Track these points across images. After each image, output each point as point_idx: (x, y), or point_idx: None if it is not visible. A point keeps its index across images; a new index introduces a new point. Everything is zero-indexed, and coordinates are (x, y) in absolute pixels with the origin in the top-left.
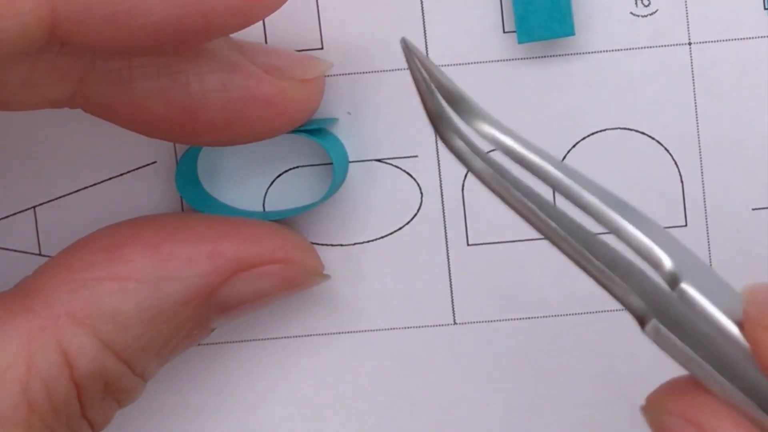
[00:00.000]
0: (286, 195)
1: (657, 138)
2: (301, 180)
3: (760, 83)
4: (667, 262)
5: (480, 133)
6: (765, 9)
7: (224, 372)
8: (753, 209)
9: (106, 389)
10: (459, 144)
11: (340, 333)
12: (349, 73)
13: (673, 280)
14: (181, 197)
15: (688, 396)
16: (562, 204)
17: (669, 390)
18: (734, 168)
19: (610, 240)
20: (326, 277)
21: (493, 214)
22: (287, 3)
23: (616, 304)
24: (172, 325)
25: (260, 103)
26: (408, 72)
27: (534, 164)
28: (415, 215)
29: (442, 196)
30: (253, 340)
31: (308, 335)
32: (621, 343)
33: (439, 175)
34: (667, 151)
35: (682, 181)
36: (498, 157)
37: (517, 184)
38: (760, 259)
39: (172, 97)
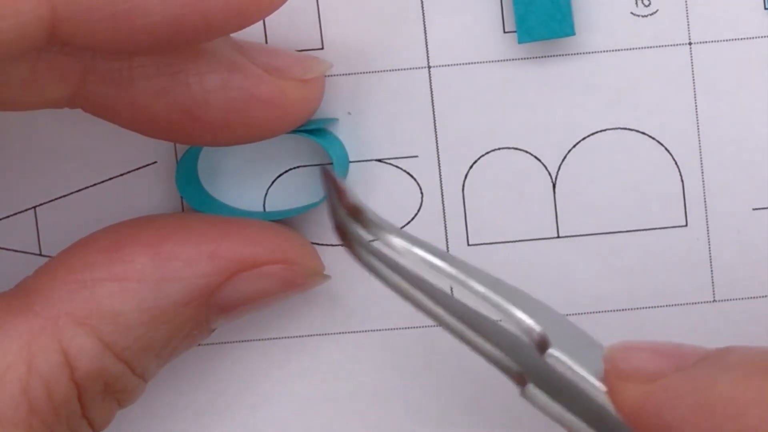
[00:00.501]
0: (287, 195)
1: (657, 138)
2: (302, 180)
3: (761, 83)
4: (536, 330)
5: (384, 243)
6: (765, 9)
7: (224, 372)
8: (753, 209)
9: (106, 389)
10: (363, 254)
11: (340, 333)
12: (349, 74)
13: (543, 346)
14: (181, 197)
15: None
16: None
17: None
18: (734, 168)
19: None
20: (327, 277)
21: (493, 215)
22: (287, 3)
23: (616, 305)
24: (172, 326)
25: (260, 103)
26: (408, 72)
27: (427, 262)
28: (416, 215)
29: (442, 196)
30: (253, 340)
31: (308, 335)
32: None
33: (440, 175)
34: (668, 151)
35: (682, 181)
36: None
37: (413, 279)
38: (761, 259)
39: (172, 97)
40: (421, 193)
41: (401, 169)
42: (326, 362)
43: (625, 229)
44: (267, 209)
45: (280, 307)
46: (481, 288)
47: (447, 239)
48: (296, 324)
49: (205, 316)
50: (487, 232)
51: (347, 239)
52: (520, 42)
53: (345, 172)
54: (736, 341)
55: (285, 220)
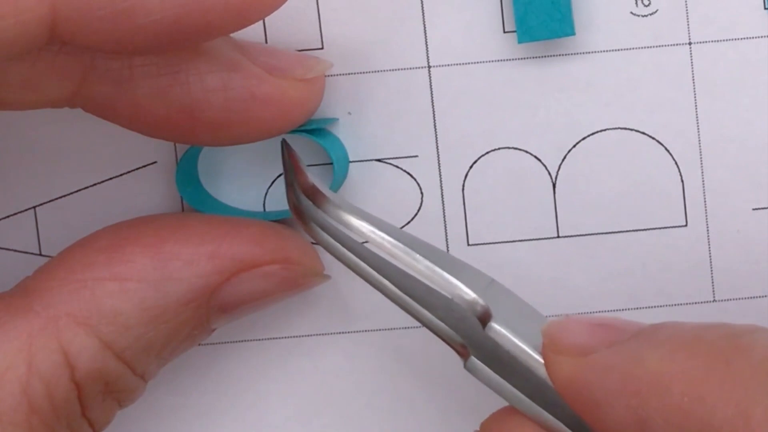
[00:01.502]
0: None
1: (657, 138)
2: None
3: (761, 83)
4: (480, 303)
5: (333, 217)
6: (765, 9)
7: (224, 372)
8: (753, 209)
9: (106, 389)
10: (316, 229)
11: (340, 333)
12: (349, 73)
13: (485, 319)
14: (181, 197)
15: (506, 420)
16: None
17: (494, 416)
18: (734, 168)
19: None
20: (326, 277)
21: (493, 214)
22: (287, 3)
23: (615, 304)
24: (172, 326)
25: (260, 103)
26: (408, 72)
27: (373, 237)
28: (416, 215)
29: (442, 196)
30: (253, 340)
31: (308, 335)
32: None
33: (440, 174)
34: (668, 150)
35: (682, 181)
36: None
37: (362, 254)
38: (761, 259)
39: (173, 97)
40: (421, 192)
41: (401, 168)
42: (326, 362)
43: (625, 229)
44: (267, 209)
45: (280, 307)
46: (425, 262)
47: (447, 239)
48: (296, 324)
49: (206, 316)
50: (487, 232)
51: (302, 217)
52: (520, 42)
53: (345, 172)
54: None
55: (285, 221)
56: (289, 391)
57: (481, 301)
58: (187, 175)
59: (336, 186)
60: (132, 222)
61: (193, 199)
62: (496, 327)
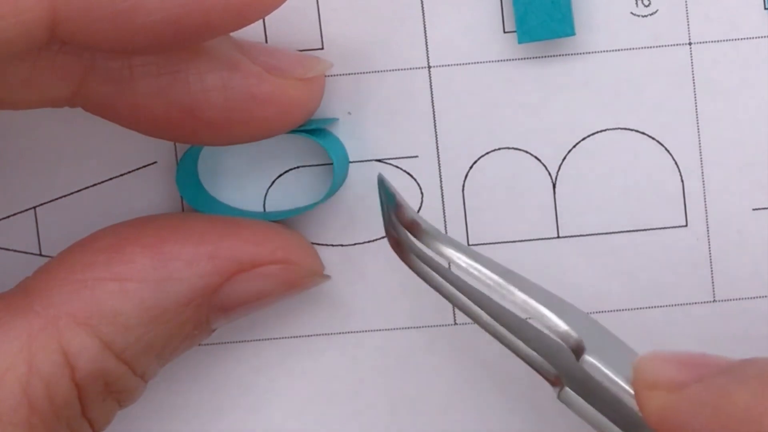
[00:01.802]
0: (287, 195)
1: (657, 138)
2: (302, 180)
3: (761, 83)
4: (573, 336)
5: (432, 250)
6: (765, 9)
7: (224, 372)
8: (753, 209)
9: (106, 390)
10: (415, 261)
11: (340, 333)
12: (349, 73)
13: (579, 351)
14: (182, 197)
15: None
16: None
17: None
18: (734, 168)
19: (535, 323)
20: (326, 277)
21: (493, 215)
22: (287, 3)
23: (616, 305)
24: (173, 326)
25: (260, 102)
26: (408, 72)
27: (470, 270)
28: None
29: (442, 196)
30: (253, 340)
31: (308, 335)
32: None
33: (440, 175)
34: (668, 151)
35: (682, 181)
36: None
37: (459, 285)
38: (761, 259)
39: (173, 96)
40: (421, 193)
41: (401, 169)
42: (326, 362)
43: (625, 229)
44: (267, 209)
45: (280, 308)
46: (521, 296)
47: None
48: (296, 324)
49: (206, 317)
50: (487, 232)
51: (401, 249)
52: (520, 42)
53: (345, 172)
54: (736, 341)
55: (285, 221)
56: (290, 392)
57: (574, 334)
58: (187, 175)
59: (336, 186)
60: (132, 222)
61: (194, 199)
62: (590, 359)
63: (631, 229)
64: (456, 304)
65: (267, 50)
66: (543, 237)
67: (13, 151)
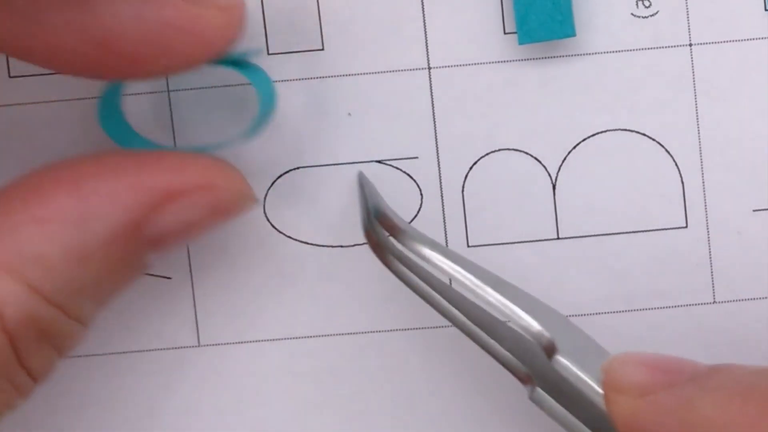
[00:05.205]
0: (287, 196)
1: (657, 139)
2: (302, 181)
3: (761, 84)
4: (545, 335)
5: (409, 249)
6: (766, 10)
7: (224, 373)
8: (754, 210)
9: (41, 336)
10: (391, 260)
11: (340, 335)
12: (349, 74)
13: (551, 351)
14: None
15: None
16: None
17: None
18: (735, 169)
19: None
20: (255, 200)
21: (493, 216)
22: (288, 4)
23: (616, 306)
24: (102, 265)
25: (177, 32)
26: (408, 73)
27: (446, 269)
28: (415, 217)
29: (442, 197)
30: (254, 341)
31: (308, 337)
32: (621, 345)
33: (440, 176)
34: (668, 152)
35: (682, 183)
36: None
37: (434, 284)
38: (761, 260)
39: (85, 30)
40: (421, 194)
41: (401, 170)
42: (326, 364)
43: (625, 231)
44: (267, 209)
45: (280, 309)
46: (494, 294)
47: (447, 241)
48: (296, 325)
49: (136, 252)
50: (486, 234)
51: (378, 249)
52: (520, 43)
53: (271, 107)
54: (737, 343)
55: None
56: (289, 393)
57: (546, 334)
58: (110, 111)
59: (261, 121)
60: (49, 165)
61: (117, 135)
62: (561, 359)
63: (631, 230)
64: (431, 303)
65: None
66: (543, 238)
67: (13, 151)
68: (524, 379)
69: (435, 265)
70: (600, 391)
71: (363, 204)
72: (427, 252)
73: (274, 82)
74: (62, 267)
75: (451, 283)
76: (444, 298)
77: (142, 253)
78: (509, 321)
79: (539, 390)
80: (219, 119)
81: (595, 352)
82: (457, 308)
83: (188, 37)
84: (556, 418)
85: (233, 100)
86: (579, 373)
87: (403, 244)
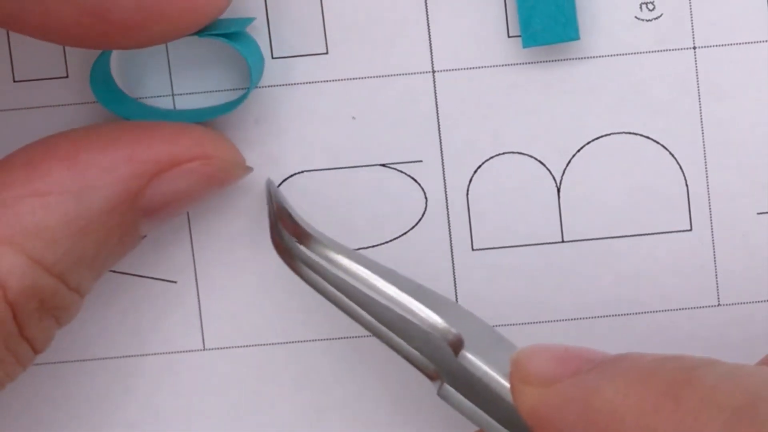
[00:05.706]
0: (288, 197)
1: (662, 142)
2: (304, 183)
3: (765, 87)
4: (451, 332)
5: (316, 254)
6: None
7: (226, 376)
8: (758, 213)
9: (42, 307)
10: (299, 266)
11: (342, 338)
12: (354, 78)
13: (457, 347)
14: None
15: None
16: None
17: None
18: (739, 172)
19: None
20: (249, 169)
21: (497, 219)
22: (292, 7)
23: (620, 309)
24: (100, 235)
25: None
26: (412, 76)
27: (352, 270)
28: (420, 220)
29: (446, 200)
30: (255, 345)
31: (310, 340)
32: (626, 347)
33: (444, 179)
34: (672, 155)
35: (687, 186)
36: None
37: (341, 286)
38: (765, 263)
39: (82, 1)
40: (426, 197)
41: (405, 173)
42: (328, 367)
43: (629, 234)
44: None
45: (280, 312)
46: (400, 293)
47: (451, 244)
48: (298, 329)
49: (132, 222)
50: (491, 237)
51: (286, 255)
52: (524, 46)
53: (260, 76)
54: (741, 345)
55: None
56: (291, 396)
57: (453, 330)
58: (101, 78)
59: (249, 91)
60: (46, 138)
61: (109, 101)
62: (467, 355)
63: (636, 233)
64: (339, 306)
65: None
66: (547, 241)
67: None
68: (432, 376)
69: (342, 268)
70: (507, 384)
71: (270, 211)
72: (334, 255)
73: (263, 55)
74: (62, 239)
75: (358, 286)
76: (352, 300)
77: (138, 223)
78: (416, 319)
79: (447, 386)
80: (215, 70)
81: (503, 348)
82: (365, 310)
83: (180, 3)
84: (465, 413)
85: (230, 51)
86: (485, 367)
87: (311, 249)
